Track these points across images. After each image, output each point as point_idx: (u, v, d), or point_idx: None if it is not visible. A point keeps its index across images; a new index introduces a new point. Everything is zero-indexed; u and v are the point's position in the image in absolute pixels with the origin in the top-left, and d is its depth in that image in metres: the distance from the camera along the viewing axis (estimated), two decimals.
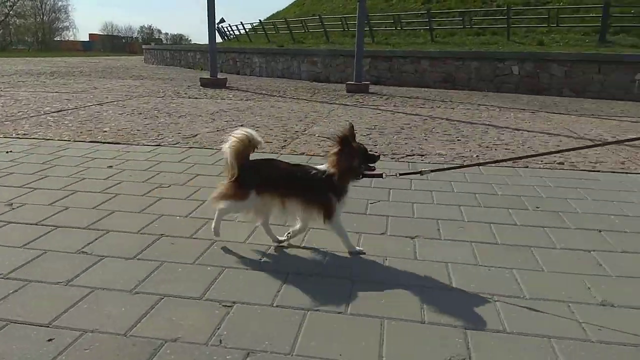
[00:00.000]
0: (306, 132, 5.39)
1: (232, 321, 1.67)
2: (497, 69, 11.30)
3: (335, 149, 2.17)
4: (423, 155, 4.33)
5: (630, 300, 1.87)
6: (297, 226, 2.31)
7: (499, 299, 1.87)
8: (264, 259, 2.18)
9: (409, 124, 6.09)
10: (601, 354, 1.54)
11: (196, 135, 5.04)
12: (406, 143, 4.86)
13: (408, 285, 1.96)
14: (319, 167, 2.22)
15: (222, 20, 33.14)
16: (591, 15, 13.50)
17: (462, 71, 11.90)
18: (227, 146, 2.13)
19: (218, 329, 1.63)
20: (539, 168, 3.91)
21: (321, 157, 4.15)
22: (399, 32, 16.90)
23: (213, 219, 2.29)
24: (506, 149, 4.61)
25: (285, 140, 4.86)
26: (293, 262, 2.15)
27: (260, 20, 25.30)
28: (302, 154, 4.29)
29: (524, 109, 7.76)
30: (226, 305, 1.77)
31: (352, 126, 2.23)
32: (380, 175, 2.37)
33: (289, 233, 2.33)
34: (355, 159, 2.19)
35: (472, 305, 1.83)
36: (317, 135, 5.19)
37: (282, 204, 2.19)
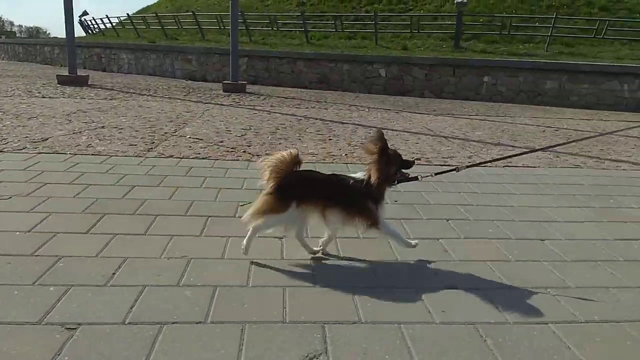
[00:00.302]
0: (177, 133, 5.16)
1: (76, 345, 1.52)
2: (367, 72, 11.97)
3: (375, 157, 2.15)
4: None
5: (470, 282, 2.09)
6: (326, 236, 2.29)
7: (357, 291, 1.96)
8: (118, 272, 2.02)
9: (284, 124, 6.16)
10: (443, 333, 1.70)
11: (47, 139, 4.54)
12: (280, 143, 4.90)
13: (273, 286, 1.97)
14: (354, 175, 2.21)
15: (85, 13, 30.42)
16: (448, 22, 14.92)
17: (335, 73, 12.39)
18: (266, 161, 2.09)
19: (58, 355, 1.46)
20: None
21: (192, 159, 4.01)
22: (276, 33, 17.02)
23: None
24: None
25: (153, 143, 4.60)
26: (150, 275, 2.02)
27: (128, 14, 23.66)
28: (171, 156, 4.09)
29: (389, 109, 8.32)
30: (70, 328, 1.60)
31: (382, 133, 2.19)
32: (416, 178, 2.37)
33: (320, 246, 2.30)
34: (393, 166, 2.23)
35: (333, 299, 1.89)
36: (188, 136, 5.00)
37: (322, 214, 2.17)
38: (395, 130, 6.06)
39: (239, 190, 3.23)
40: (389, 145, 2.23)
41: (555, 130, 6.56)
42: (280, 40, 16.34)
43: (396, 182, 2.30)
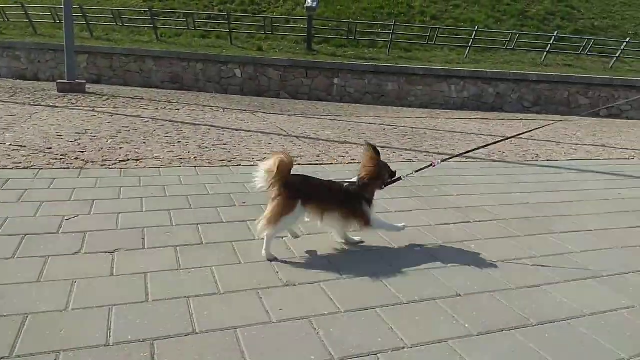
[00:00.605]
0: None
1: None
2: (222, 72, 11.78)
3: (372, 164, 2.47)
4: (139, 160, 4.12)
5: (311, 277, 2.15)
6: (339, 237, 2.54)
7: (193, 300, 1.89)
8: None
9: (128, 127, 5.73)
10: (279, 332, 1.72)
11: None
12: (121, 147, 4.55)
13: (97, 307, 1.80)
14: (350, 180, 2.49)
15: None
16: (300, 26, 15.37)
17: (189, 72, 11.96)
18: (272, 163, 2.19)
19: None
20: (251, 166, 4.20)
21: (10, 170, 3.50)
22: (122, 29, 15.79)
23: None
24: (223, 148, 4.81)
25: None
26: None
27: None
28: None
29: (245, 110, 8.29)
30: None
31: (374, 145, 2.51)
32: (399, 179, 2.70)
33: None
34: (386, 173, 2.59)
35: (166, 313, 1.80)
36: (8, 144, 4.36)
37: (321, 215, 2.38)
38: (250, 131, 6.05)
39: (67, 202, 2.91)
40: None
41: (394, 128, 7.18)
42: (127, 36, 15.20)
43: (384, 186, 2.62)
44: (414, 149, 5.50)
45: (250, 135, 5.71)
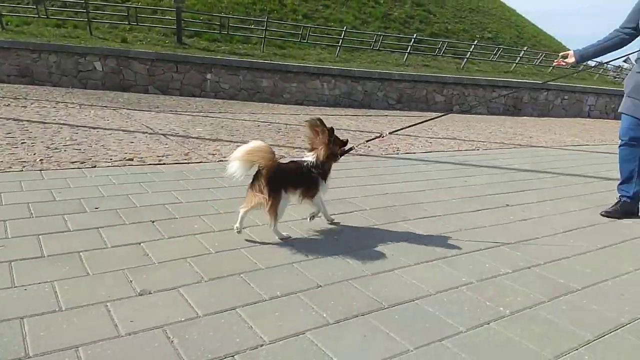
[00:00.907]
0: None
1: None
2: (80, 65, 10.73)
3: (325, 140, 2.66)
4: None
5: (167, 283, 2.04)
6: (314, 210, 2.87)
7: (28, 321, 1.68)
8: None
9: None
10: (128, 345, 1.60)
11: None
12: None
13: None
14: (306, 158, 2.71)
15: None
16: (168, 17, 14.61)
17: (40, 65, 10.69)
18: (260, 158, 2.42)
19: None
20: (108, 167, 3.88)
21: None
22: None
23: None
24: (76, 149, 4.37)
25: None
26: None
27: None
28: None
29: (106, 106, 7.65)
30: None
31: (322, 119, 2.72)
32: (352, 149, 2.93)
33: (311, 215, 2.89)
34: (337, 147, 2.75)
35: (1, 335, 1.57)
36: None
37: (295, 195, 2.66)
38: (110, 129, 5.59)
39: None
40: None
41: (269, 125, 7.20)
42: None
43: (339, 157, 2.81)
44: (287, 145, 5.57)
45: (110, 134, 5.28)
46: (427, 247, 2.69)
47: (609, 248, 2.90)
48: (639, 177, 3.58)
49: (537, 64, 19.38)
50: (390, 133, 3.42)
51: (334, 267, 2.34)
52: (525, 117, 13.49)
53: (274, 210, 2.53)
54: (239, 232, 2.59)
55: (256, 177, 2.50)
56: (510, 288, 2.25)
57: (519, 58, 18.22)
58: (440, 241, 2.80)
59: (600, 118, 16.07)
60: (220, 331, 1.72)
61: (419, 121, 3.89)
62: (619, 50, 3.62)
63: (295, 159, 2.85)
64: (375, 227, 2.98)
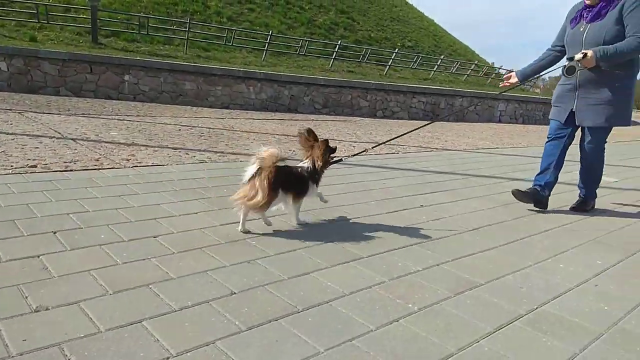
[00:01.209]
0: None
1: None
2: None
3: (321, 149, 2.97)
4: None
5: (68, 297, 1.91)
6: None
7: None
8: None
9: None
10: None
11: None
12: None
13: None
14: (301, 164, 2.98)
15: None
16: (82, 16, 13.78)
17: None
18: (268, 161, 2.69)
19: None
20: (7, 174, 3.57)
21: None
22: None
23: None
24: None
25: None
26: None
27: None
28: None
29: (11, 109, 7.06)
30: None
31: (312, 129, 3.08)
32: (340, 160, 3.39)
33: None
34: (329, 154, 3.04)
35: None
36: None
37: (289, 197, 2.92)
38: (13, 133, 5.16)
39: None
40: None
41: (191, 129, 7.00)
42: None
43: (329, 164, 3.10)
44: (208, 150, 5.44)
45: (13, 139, 4.87)
46: (345, 248, 2.74)
47: (512, 244, 3.12)
48: (554, 170, 4.00)
49: (453, 71, 20.54)
50: (373, 147, 4.18)
51: (250, 273, 2.31)
52: (443, 122, 14.23)
53: (266, 207, 2.77)
54: (244, 231, 2.85)
55: (256, 174, 2.72)
56: (419, 285, 2.34)
57: (436, 66, 19.20)
58: (357, 242, 2.86)
59: (509, 123, 17.36)
60: (123, 346, 1.63)
61: (403, 132, 4.27)
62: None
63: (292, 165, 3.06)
64: (293, 230, 2.99)
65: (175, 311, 1.89)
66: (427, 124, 4.60)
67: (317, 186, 3.04)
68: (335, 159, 3.22)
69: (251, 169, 2.73)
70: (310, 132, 3.06)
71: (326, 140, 3.04)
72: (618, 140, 11.53)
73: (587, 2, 3.72)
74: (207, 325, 1.82)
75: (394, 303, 2.13)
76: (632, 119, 4.11)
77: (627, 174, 6.70)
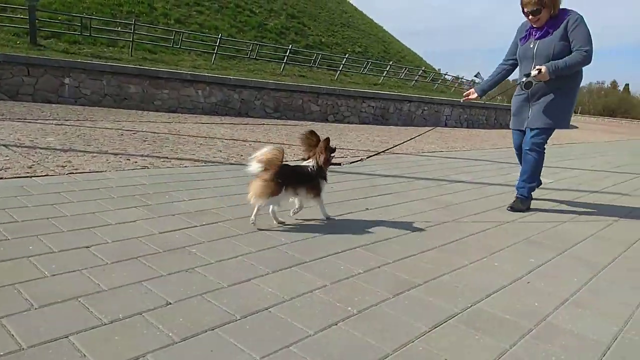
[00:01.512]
0: None
1: None
2: None
3: (322, 147, 3.19)
4: None
5: None
6: (297, 206, 3.35)
7: None
8: None
9: None
10: None
11: None
12: None
13: None
14: (306, 163, 3.22)
15: None
16: (20, 16, 13.08)
17: None
18: (271, 156, 2.89)
19: None
20: None
21: None
22: None
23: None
24: None
25: None
26: None
27: None
28: None
29: None
30: None
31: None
32: (339, 164, 3.67)
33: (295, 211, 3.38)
34: (330, 153, 3.27)
35: None
36: None
37: (295, 193, 3.14)
38: None
39: None
40: None
41: (134, 133, 6.78)
42: None
43: (330, 164, 3.28)
44: (151, 155, 5.28)
45: None
46: (287, 253, 2.73)
47: (450, 244, 3.22)
48: (521, 176, 4.41)
49: (401, 77, 21.04)
50: (368, 157, 4.46)
51: (188, 281, 2.25)
52: (391, 127, 14.54)
53: (266, 198, 2.95)
54: (253, 223, 3.06)
55: (264, 171, 2.90)
56: (360, 288, 2.37)
57: (385, 72, 19.61)
58: (299, 247, 2.86)
59: (455, 127, 17.97)
60: None
61: (401, 141, 4.38)
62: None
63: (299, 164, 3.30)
64: (236, 236, 2.95)
65: (105, 324, 1.82)
66: (428, 130, 4.67)
67: (326, 181, 3.28)
68: (334, 161, 3.42)
69: (255, 166, 2.90)
70: (312, 132, 3.26)
71: (327, 139, 3.22)
72: (555, 143, 12.20)
73: (535, 25, 4.07)
74: (138, 338, 1.75)
75: (333, 307, 2.14)
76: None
77: (562, 174, 7.09)
